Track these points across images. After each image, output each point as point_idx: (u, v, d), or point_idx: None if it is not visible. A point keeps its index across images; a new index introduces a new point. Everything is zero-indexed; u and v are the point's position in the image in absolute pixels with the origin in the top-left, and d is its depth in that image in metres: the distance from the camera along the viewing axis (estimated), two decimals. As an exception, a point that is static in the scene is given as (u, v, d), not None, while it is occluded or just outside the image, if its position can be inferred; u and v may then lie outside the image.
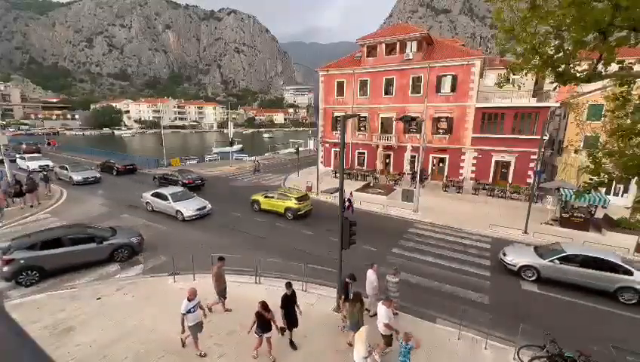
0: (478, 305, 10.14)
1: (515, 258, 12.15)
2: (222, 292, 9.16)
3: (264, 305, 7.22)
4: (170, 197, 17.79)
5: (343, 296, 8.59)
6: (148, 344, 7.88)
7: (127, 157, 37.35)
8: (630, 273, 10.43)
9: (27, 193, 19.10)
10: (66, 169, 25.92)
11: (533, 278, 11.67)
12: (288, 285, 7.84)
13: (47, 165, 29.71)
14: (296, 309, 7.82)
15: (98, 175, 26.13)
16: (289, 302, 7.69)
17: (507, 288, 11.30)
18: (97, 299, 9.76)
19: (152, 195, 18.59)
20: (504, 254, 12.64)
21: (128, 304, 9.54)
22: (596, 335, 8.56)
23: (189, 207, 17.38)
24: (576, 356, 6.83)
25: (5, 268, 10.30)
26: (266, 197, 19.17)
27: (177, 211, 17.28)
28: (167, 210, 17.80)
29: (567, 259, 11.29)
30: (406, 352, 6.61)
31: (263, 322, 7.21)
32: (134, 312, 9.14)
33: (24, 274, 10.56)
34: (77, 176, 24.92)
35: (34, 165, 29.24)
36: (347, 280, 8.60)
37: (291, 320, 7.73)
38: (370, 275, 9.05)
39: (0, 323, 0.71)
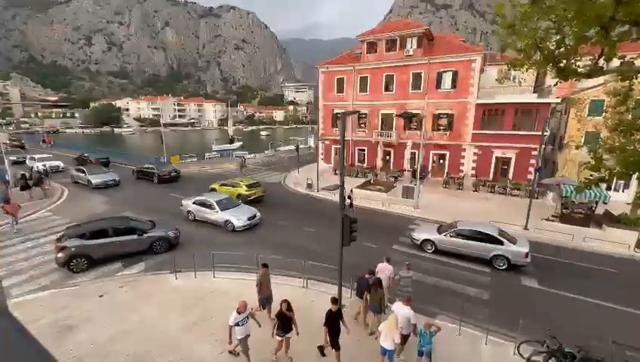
0: (477, 300, 10.18)
1: (419, 234, 13.92)
2: (265, 301, 8.74)
3: (288, 305, 6.97)
4: (216, 206, 16.15)
5: (366, 292, 8.49)
6: (150, 341, 7.93)
7: (101, 152, 38.47)
8: (501, 243, 12.24)
9: (34, 186, 20.82)
10: (84, 171, 24.16)
11: (432, 250, 13.50)
12: (334, 300, 7.23)
13: (58, 166, 29.61)
14: (341, 326, 7.14)
15: (117, 178, 24.58)
16: (334, 320, 7.03)
17: (507, 284, 11.34)
18: (99, 296, 9.81)
19: (194, 203, 16.90)
20: (412, 230, 14.62)
21: (130, 301, 9.59)
22: (596, 331, 8.58)
23: (239, 217, 15.73)
24: (576, 351, 6.86)
25: (59, 255, 11.22)
26: (221, 185, 21.38)
27: (227, 221, 15.64)
28: (215, 220, 16.07)
29: (458, 233, 13.12)
30: (431, 338, 6.91)
31: (284, 322, 6.98)
32: (136, 310, 9.18)
33: (75, 261, 11.40)
34: (96, 179, 23.32)
35: (39, 166, 28.60)
36: (367, 276, 8.65)
37: (336, 340, 7.08)
38: (386, 266, 9.21)
39: (3, 322, 0.71)
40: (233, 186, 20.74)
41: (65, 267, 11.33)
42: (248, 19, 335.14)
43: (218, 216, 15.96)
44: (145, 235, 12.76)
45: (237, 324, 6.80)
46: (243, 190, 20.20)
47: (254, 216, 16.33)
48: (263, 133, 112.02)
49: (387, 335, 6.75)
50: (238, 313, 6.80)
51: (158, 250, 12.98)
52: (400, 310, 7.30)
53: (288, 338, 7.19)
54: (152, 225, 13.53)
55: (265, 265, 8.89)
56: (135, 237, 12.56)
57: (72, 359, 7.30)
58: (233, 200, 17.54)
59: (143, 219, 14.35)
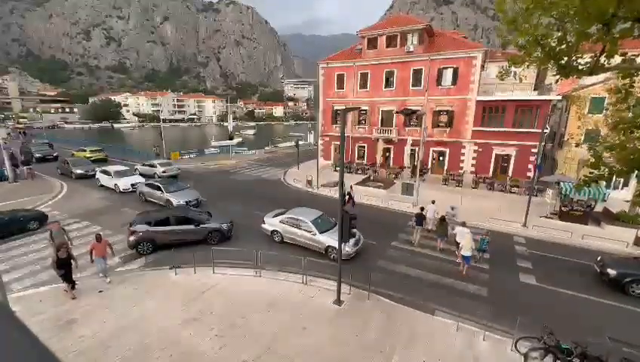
0: (476, 297, 10.23)
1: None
2: None
3: None
4: (313, 227, 12.89)
5: (419, 223, 13.95)
6: (150, 336, 7.97)
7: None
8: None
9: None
10: (160, 189, 18.68)
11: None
12: None
13: (139, 183, 21.35)
14: None
15: (199, 196, 19.08)
16: None
17: (505, 281, 11.39)
18: (99, 291, 9.85)
19: (282, 222, 13.72)
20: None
21: (130, 297, 9.62)
22: (593, 327, 8.65)
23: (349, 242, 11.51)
24: (573, 347, 6.92)
25: (131, 238, 12.37)
26: (77, 150, 34.38)
27: (329, 248, 12.45)
28: (311, 245, 12.94)
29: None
30: (486, 241, 12.37)
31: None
32: (136, 305, 9.22)
33: (142, 244, 12.44)
34: (177, 199, 17.88)
35: (124, 183, 21.53)
36: (421, 212, 14.08)
37: None
38: (433, 206, 15.21)
39: (3, 321, 0.70)
40: (83, 151, 33.45)
41: (134, 249, 12.41)
42: (248, 14, 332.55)
43: (316, 239, 12.76)
44: (201, 226, 13.36)
45: None
46: (87, 153, 32.56)
47: (359, 239, 13.01)
48: (249, 131, 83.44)
49: (465, 247, 10.98)
50: None
51: (212, 241, 13.37)
52: (462, 229, 12.10)
53: None
54: (208, 217, 14.20)
55: None
56: (192, 227, 13.23)
57: (73, 353, 7.34)
58: (327, 219, 13.84)
59: (202, 211, 15.17)
